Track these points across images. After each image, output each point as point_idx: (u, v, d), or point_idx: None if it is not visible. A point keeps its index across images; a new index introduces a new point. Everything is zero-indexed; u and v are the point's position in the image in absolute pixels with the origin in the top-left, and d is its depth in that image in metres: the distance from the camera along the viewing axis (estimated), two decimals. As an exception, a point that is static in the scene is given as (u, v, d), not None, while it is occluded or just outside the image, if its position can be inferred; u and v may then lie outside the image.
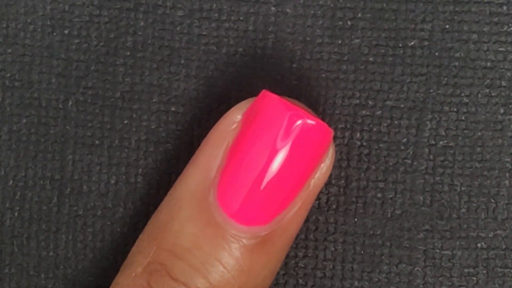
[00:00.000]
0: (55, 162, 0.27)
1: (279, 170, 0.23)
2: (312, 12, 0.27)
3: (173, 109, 0.27)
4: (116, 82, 0.27)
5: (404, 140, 0.26)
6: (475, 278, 0.26)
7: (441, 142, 0.26)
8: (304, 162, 0.23)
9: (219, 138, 0.24)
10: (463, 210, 0.26)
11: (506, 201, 0.26)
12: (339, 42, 0.27)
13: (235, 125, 0.24)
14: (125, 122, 0.27)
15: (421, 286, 0.26)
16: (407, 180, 0.26)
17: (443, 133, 0.26)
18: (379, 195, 0.26)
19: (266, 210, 0.23)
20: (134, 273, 0.24)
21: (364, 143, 0.26)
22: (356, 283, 0.26)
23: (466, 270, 0.26)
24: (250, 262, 0.23)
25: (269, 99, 0.23)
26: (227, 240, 0.23)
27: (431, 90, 0.26)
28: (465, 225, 0.26)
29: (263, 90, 0.24)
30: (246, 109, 0.24)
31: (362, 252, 0.26)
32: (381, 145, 0.26)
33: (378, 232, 0.26)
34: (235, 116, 0.24)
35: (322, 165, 0.24)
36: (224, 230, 0.23)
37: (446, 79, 0.26)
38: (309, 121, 0.23)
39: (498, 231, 0.26)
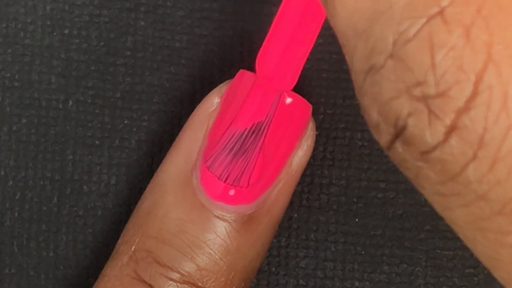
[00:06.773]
0: (55, 163, 0.27)
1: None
2: (313, 12, 0.26)
3: (173, 109, 0.27)
4: (117, 82, 0.27)
5: (405, 140, 0.26)
6: (476, 279, 0.26)
7: (442, 142, 0.26)
8: (285, 138, 0.23)
9: (199, 121, 0.24)
10: (464, 210, 0.26)
11: (507, 201, 0.26)
12: (340, 42, 0.26)
13: (214, 107, 0.24)
14: (126, 122, 0.27)
15: (422, 286, 0.26)
16: (408, 180, 0.26)
17: (444, 133, 0.26)
18: (380, 195, 0.26)
19: (250, 189, 0.23)
20: (121, 263, 0.23)
21: (365, 143, 0.26)
22: (357, 283, 0.26)
23: (467, 271, 0.26)
24: (237, 242, 0.23)
25: (247, 78, 0.23)
26: (213, 221, 0.23)
27: (432, 90, 0.26)
28: (466, 225, 0.26)
29: (241, 70, 0.24)
30: (224, 91, 0.24)
31: (363, 252, 0.26)
32: (382, 145, 0.26)
33: (379, 232, 0.26)
34: (214, 98, 0.24)
35: (303, 142, 0.24)
36: (210, 212, 0.23)
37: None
38: (288, 97, 0.23)
39: (499, 231, 0.26)
